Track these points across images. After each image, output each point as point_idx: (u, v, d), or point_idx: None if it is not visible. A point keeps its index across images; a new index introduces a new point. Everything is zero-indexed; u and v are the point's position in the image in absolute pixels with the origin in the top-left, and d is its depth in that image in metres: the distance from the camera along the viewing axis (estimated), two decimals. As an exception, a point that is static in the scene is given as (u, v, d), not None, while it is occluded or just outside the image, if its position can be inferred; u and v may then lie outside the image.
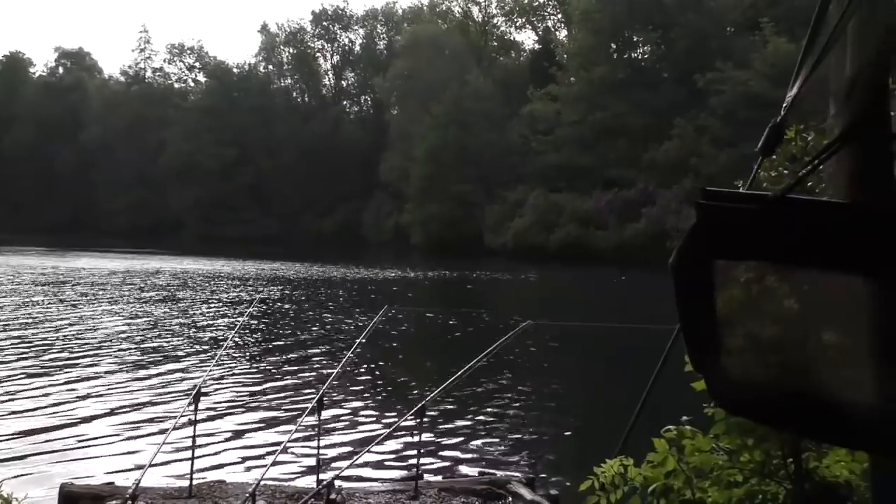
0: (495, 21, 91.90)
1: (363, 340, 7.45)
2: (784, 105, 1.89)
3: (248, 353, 16.31)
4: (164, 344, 17.22)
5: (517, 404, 12.46)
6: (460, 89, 67.11)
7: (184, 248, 61.90)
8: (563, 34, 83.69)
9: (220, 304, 24.60)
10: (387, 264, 45.69)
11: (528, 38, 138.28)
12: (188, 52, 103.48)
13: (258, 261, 45.50)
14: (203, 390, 6.92)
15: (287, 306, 24.51)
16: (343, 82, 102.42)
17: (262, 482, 6.03)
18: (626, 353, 13.39)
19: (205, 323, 20.86)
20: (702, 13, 58.26)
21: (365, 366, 14.63)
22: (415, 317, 21.81)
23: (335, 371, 7.58)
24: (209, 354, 15.27)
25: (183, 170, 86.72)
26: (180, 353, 16.14)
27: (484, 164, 64.47)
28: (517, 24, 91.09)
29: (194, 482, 6.47)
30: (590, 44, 61.93)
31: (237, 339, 16.69)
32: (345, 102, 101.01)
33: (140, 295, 26.68)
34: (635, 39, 64.50)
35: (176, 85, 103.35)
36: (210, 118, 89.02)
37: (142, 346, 16.84)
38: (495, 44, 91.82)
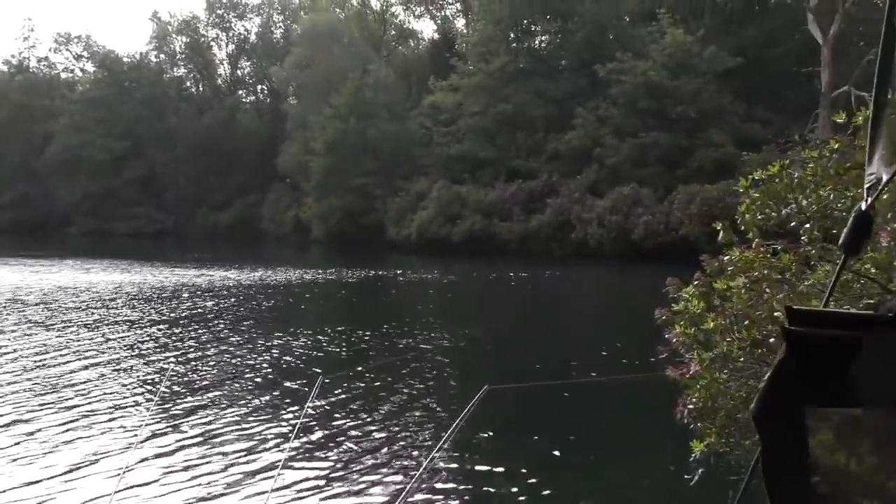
0: (393, 10, 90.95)
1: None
2: (867, 185, 1.32)
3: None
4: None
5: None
6: (360, 79, 65.90)
7: (70, 247, 58.93)
8: (461, 23, 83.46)
9: (121, 327, 22.69)
10: (288, 263, 44.11)
11: (427, 28, 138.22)
12: (75, 41, 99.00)
13: (150, 264, 43.16)
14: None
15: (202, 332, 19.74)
16: (239, 72, 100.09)
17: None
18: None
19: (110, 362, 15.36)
20: (600, 3, 58.48)
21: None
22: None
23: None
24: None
25: (70, 163, 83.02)
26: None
27: (385, 155, 63.47)
28: (416, 14, 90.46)
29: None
30: (490, 34, 61.55)
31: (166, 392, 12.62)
32: (240, 92, 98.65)
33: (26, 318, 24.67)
34: (534, 29, 64.40)
35: (63, 75, 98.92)
36: (99, 109, 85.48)
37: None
38: (394, 33, 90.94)
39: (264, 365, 15.07)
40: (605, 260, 45.18)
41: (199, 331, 18.95)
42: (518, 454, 9.72)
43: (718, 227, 5.37)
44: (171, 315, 21.56)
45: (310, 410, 11.06)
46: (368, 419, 11.27)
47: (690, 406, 5.17)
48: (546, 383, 11.91)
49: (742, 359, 5.06)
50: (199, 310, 22.72)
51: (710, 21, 55.34)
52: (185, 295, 26.21)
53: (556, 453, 9.85)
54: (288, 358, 15.86)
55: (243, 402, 12.13)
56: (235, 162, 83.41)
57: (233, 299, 25.46)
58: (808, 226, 4.90)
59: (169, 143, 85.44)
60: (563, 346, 18.40)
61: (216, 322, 20.47)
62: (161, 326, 19.47)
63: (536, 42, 65.46)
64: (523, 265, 44.15)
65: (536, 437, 10.42)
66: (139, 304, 23.88)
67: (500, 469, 8.96)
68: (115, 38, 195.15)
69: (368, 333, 19.01)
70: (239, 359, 15.55)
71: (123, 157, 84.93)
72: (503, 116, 58.60)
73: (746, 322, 4.91)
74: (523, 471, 8.87)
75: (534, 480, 8.62)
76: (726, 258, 5.34)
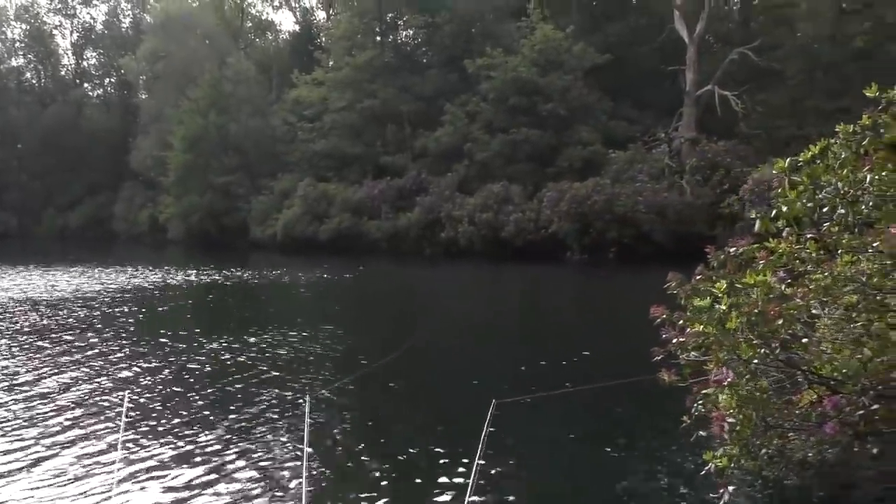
0: (251, 0, 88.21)
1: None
2: None
3: None
4: None
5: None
6: (219, 71, 63.22)
7: None
8: (322, 16, 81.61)
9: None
10: (146, 265, 41.36)
11: (286, 20, 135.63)
12: None
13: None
14: None
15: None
16: (84, 63, 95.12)
17: None
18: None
19: None
20: (467, -3, 57.92)
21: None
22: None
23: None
24: None
25: None
26: None
27: (248, 152, 61.17)
28: (274, 4, 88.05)
29: None
30: (355, 27, 60.00)
31: None
32: (87, 85, 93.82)
33: None
34: (401, 23, 63.30)
35: None
36: (-72, 102, 79.55)
37: None
38: (250, 24, 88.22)
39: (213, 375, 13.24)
40: (475, 258, 44.71)
41: (45, 345, 16.79)
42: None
43: (754, 216, 4.64)
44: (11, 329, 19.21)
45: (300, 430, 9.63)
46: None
47: (731, 420, 4.42)
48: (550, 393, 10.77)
49: (756, 360, 4.42)
50: (48, 322, 20.42)
51: (577, 17, 55.64)
52: (41, 304, 23.70)
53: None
54: (203, 368, 14.04)
55: (149, 417, 10.39)
56: (84, 159, 79.23)
57: (93, 307, 23.16)
58: (841, 211, 4.26)
59: (10, 139, 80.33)
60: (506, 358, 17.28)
61: (68, 335, 18.29)
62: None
63: (403, 36, 64.43)
64: (394, 263, 43.28)
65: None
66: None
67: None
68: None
69: (268, 335, 17.36)
70: (138, 371, 13.64)
71: (-42, 153, 79.38)
72: (370, 112, 57.31)
73: (779, 321, 4.23)
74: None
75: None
76: (761, 251, 4.64)
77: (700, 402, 4.77)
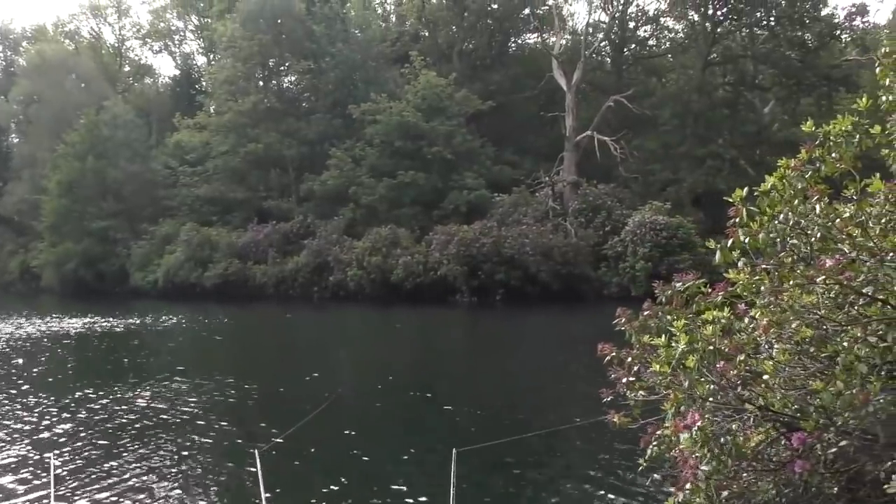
0: (129, 44, 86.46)
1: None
2: None
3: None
4: None
5: None
6: (97, 115, 61.57)
7: None
8: (202, 60, 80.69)
9: None
10: (19, 314, 39.74)
11: (165, 64, 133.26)
12: None
13: None
14: None
15: None
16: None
17: None
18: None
19: None
20: (350, 44, 58.42)
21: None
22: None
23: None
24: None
25: None
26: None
27: (127, 197, 59.54)
28: (154, 49, 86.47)
29: None
30: (238, 72, 59.54)
31: None
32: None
33: None
34: (283, 69, 63.18)
35: None
36: None
37: None
38: (128, 68, 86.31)
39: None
40: (365, 301, 44.72)
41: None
42: None
43: (714, 246, 4.62)
44: None
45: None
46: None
47: (706, 467, 4.15)
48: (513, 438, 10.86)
49: (711, 398, 4.35)
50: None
51: (458, 66, 56.94)
52: None
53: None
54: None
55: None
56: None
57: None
58: (794, 241, 4.39)
59: None
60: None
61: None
62: None
63: (286, 81, 64.36)
64: (283, 308, 42.87)
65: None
66: None
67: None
68: None
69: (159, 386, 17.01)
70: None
71: None
72: (254, 157, 56.81)
73: (740, 357, 4.23)
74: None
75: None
76: (720, 283, 4.66)
77: (655, 443, 4.64)
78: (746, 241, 4.39)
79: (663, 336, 4.55)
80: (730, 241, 4.46)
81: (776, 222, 4.37)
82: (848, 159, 4.43)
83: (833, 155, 4.49)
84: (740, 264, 4.59)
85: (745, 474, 4.38)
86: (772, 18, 52.70)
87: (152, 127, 68.47)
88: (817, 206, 4.25)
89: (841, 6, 75.86)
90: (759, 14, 52.81)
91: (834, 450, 3.99)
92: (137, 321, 35.20)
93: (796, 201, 4.37)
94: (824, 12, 52.19)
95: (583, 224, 44.68)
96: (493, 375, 20.02)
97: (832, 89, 52.09)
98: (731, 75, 55.95)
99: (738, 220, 4.49)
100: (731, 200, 4.60)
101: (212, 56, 75.02)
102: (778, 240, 4.36)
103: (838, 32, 53.19)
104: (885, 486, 3.54)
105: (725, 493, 4.26)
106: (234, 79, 59.16)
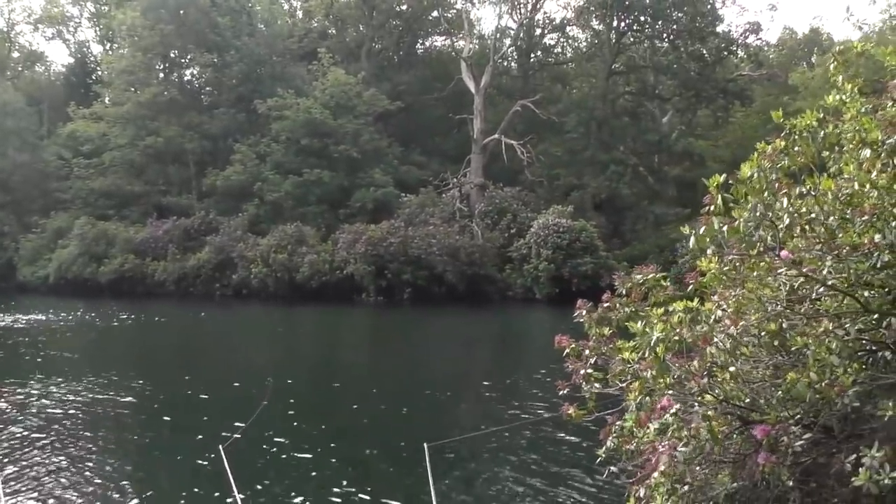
0: (19, 29, 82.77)
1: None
2: None
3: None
4: None
5: None
6: (-15, 102, 58.83)
7: None
8: (98, 49, 77.96)
9: None
10: None
11: (58, 52, 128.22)
12: None
13: None
14: None
15: None
16: None
17: None
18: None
19: None
20: (256, 38, 57.41)
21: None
22: None
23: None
24: None
25: None
26: None
27: (16, 188, 57.06)
28: (46, 36, 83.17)
29: None
30: (138, 62, 57.70)
31: None
32: None
33: None
34: (185, 60, 61.54)
35: None
36: None
37: None
38: (17, 54, 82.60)
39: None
40: (269, 299, 44.06)
41: None
42: None
43: (688, 232, 4.51)
44: None
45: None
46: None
47: (683, 448, 4.13)
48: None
49: (671, 390, 4.32)
50: None
51: (367, 65, 56.70)
52: None
53: None
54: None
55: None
56: None
57: None
58: (761, 232, 4.31)
59: None
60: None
61: None
62: None
63: (188, 74, 62.74)
64: (181, 306, 41.78)
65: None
66: None
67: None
68: None
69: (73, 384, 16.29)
70: None
71: None
72: (153, 150, 55.22)
73: (710, 349, 4.22)
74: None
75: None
76: (691, 271, 4.63)
77: (615, 434, 4.64)
78: (724, 229, 4.29)
79: (639, 322, 4.46)
80: (702, 228, 4.38)
81: (746, 213, 4.26)
82: (809, 154, 4.50)
83: (796, 149, 4.51)
84: (710, 252, 4.55)
85: (698, 468, 4.32)
86: (672, 32, 54.30)
87: (43, 116, 65.80)
88: (784, 200, 4.17)
89: (735, 24, 78.91)
90: (659, 27, 54.34)
91: (800, 442, 3.98)
92: (27, 317, 33.79)
93: (766, 192, 4.28)
94: (721, 28, 54.18)
95: (489, 226, 45.08)
96: (397, 374, 20.13)
97: (728, 102, 54.02)
98: (634, 85, 57.45)
99: (712, 207, 4.41)
100: (709, 188, 4.41)
101: (109, 45, 72.60)
102: (752, 228, 4.23)
103: (734, 48, 55.28)
104: (853, 479, 3.51)
105: (685, 488, 4.24)
106: (134, 69, 57.36)
